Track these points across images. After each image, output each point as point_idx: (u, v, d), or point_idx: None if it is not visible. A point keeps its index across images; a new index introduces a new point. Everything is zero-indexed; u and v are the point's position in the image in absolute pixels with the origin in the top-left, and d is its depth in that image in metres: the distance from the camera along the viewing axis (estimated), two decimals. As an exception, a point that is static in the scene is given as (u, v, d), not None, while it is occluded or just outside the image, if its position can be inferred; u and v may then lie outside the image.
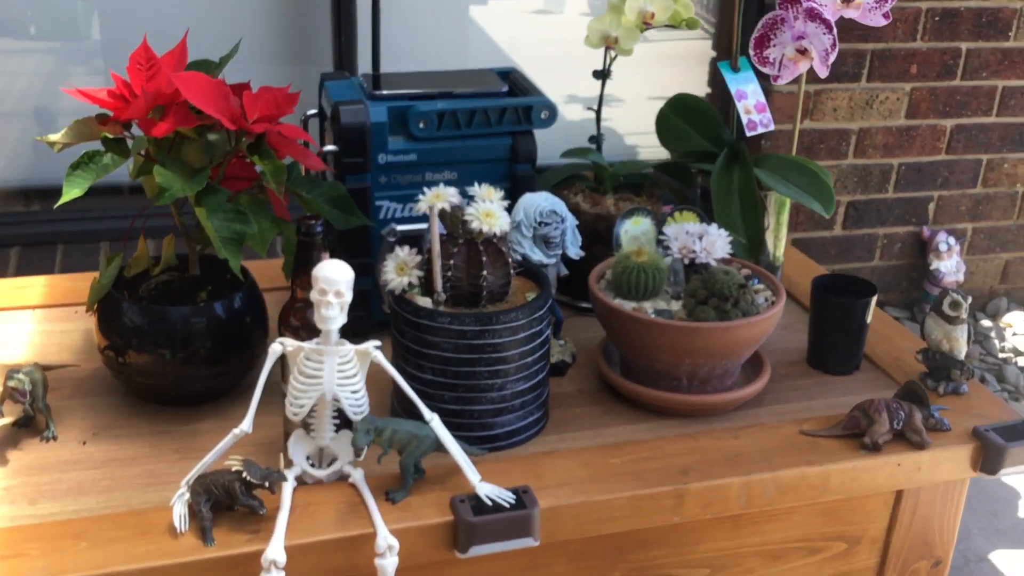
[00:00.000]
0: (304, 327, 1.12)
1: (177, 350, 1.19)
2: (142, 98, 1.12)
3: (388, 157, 1.33)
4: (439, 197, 1.14)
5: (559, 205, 1.33)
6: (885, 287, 2.99)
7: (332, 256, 1.09)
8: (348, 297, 1.05)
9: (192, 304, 1.20)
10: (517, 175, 1.38)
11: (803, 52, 1.29)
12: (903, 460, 1.21)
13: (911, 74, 2.74)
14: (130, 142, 1.16)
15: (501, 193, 1.19)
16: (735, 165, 1.45)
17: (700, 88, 2.84)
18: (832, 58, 1.28)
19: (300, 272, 1.12)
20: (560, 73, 2.53)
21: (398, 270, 1.15)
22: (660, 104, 1.54)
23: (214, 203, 1.13)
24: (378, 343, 1.08)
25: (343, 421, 1.11)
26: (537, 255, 1.33)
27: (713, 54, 2.83)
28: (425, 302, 1.16)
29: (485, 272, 1.15)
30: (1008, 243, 3.04)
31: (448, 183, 1.36)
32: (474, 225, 1.13)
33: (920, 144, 2.83)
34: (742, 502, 1.17)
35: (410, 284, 1.15)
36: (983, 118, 2.86)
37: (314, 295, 1.04)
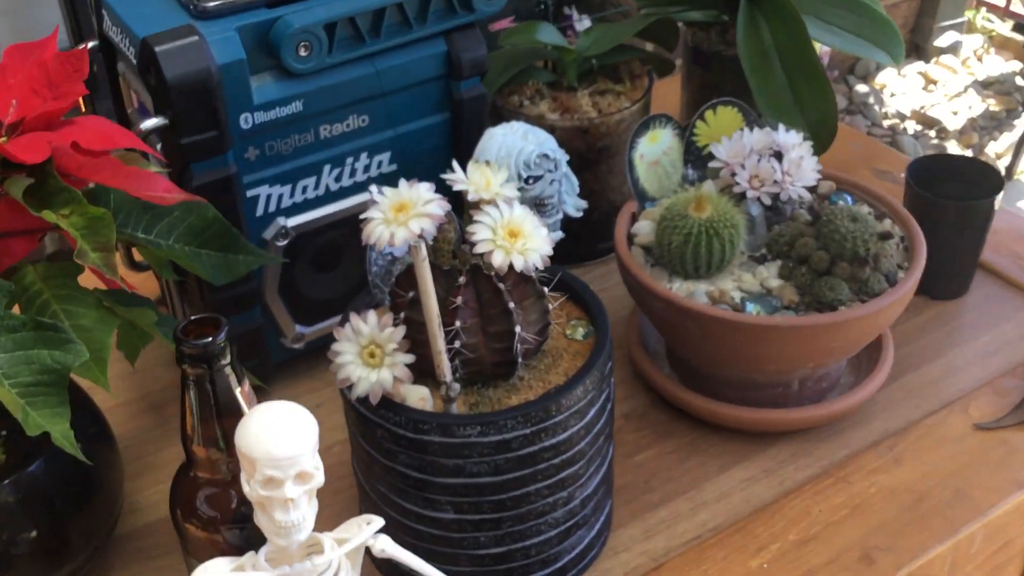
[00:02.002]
0: (225, 518, 0.60)
1: (-24, 556, 0.65)
2: None
3: (256, 116, 0.77)
4: (406, 209, 0.62)
5: (548, 143, 0.82)
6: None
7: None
8: (319, 478, 0.54)
9: (-18, 472, 0.66)
10: (462, 99, 0.85)
11: None
12: (1122, 437, 0.84)
13: None
14: None
15: (504, 174, 0.67)
16: (760, 14, 0.96)
17: None
18: None
19: (199, 428, 0.58)
20: None
21: (366, 358, 0.63)
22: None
23: (-15, 319, 0.57)
24: (380, 520, 0.58)
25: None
26: (530, 230, 0.82)
27: None
28: (419, 394, 0.66)
29: (518, 328, 0.65)
30: (874, -7, 2.69)
31: (355, 135, 0.83)
32: (498, 260, 0.62)
33: None
34: (945, 571, 0.77)
35: (396, 379, 0.64)
36: None
37: (252, 488, 0.53)
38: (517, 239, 0.62)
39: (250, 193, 0.80)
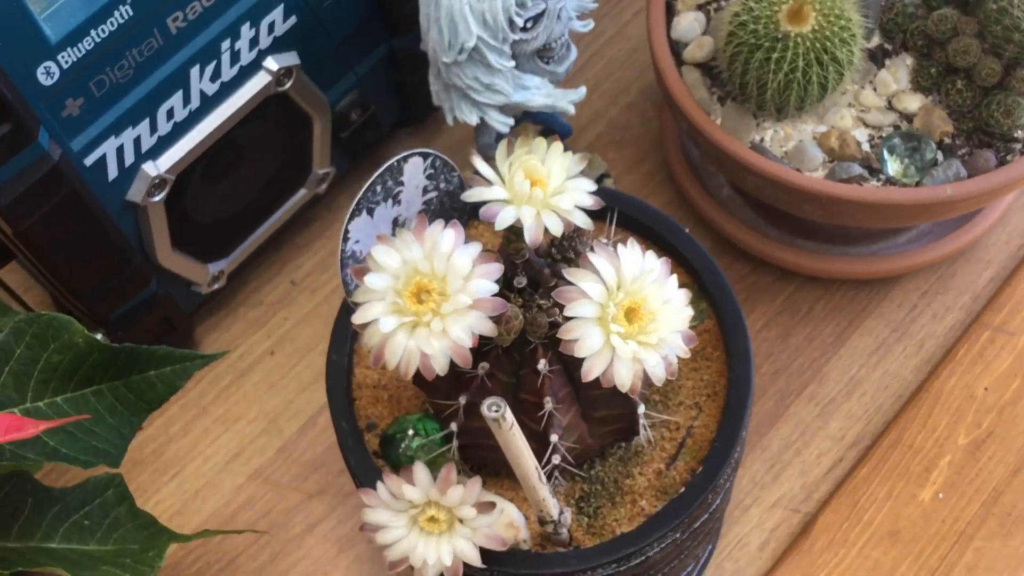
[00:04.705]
0: None
1: None
2: None
3: (63, 60, 0.44)
4: (430, 294, 0.35)
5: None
6: None
7: None
8: None
9: None
10: None
11: None
12: None
13: None
14: None
15: (563, 158, 0.38)
16: None
17: None
18: None
19: None
20: None
21: (424, 524, 0.39)
22: None
23: None
24: None
25: None
26: (536, 95, 0.53)
27: None
28: (505, 518, 0.42)
29: (641, 408, 0.40)
30: None
31: (223, 6, 0.50)
32: (623, 376, 0.35)
33: None
34: None
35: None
36: None
37: None
38: (641, 322, 0.36)
39: (90, 160, 0.48)
